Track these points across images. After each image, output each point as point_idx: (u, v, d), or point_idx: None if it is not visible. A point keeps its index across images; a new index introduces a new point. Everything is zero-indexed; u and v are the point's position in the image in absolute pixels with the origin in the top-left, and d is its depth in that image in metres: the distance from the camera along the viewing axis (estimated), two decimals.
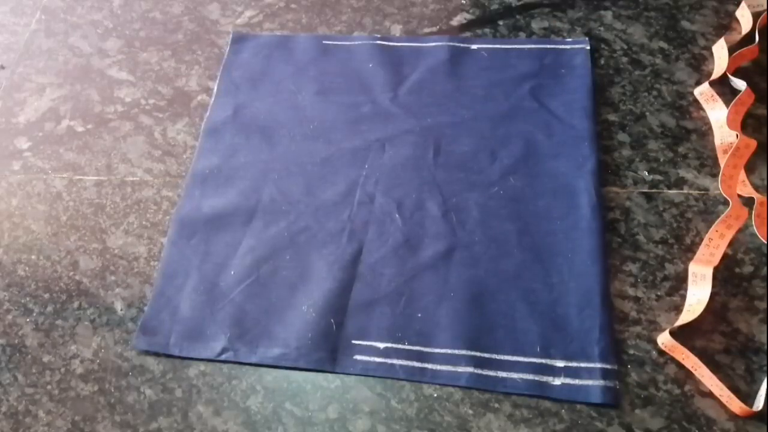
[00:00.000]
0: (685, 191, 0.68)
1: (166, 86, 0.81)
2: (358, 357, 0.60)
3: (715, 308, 0.60)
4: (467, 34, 0.83)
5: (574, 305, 0.61)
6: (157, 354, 0.62)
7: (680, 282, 0.62)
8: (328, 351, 0.60)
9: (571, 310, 0.61)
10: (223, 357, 0.61)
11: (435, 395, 0.58)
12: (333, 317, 0.62)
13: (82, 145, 0.77)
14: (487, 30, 0.83)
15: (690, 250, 0.64)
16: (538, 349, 0.58)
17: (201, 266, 0.66)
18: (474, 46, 0.81)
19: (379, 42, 0.82)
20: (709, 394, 0.56)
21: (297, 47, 0.83)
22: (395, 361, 0.59)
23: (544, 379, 0.57)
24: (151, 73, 0.83)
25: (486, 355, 0.59)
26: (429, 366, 0.59)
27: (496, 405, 0.57)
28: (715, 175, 0.69)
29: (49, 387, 0.61)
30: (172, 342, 0.62)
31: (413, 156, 0.72)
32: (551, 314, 0.61)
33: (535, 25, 0.83)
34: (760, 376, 0.57)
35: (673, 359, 0.58)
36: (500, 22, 0.83)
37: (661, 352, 0.59)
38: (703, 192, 0.68)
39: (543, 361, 0.58)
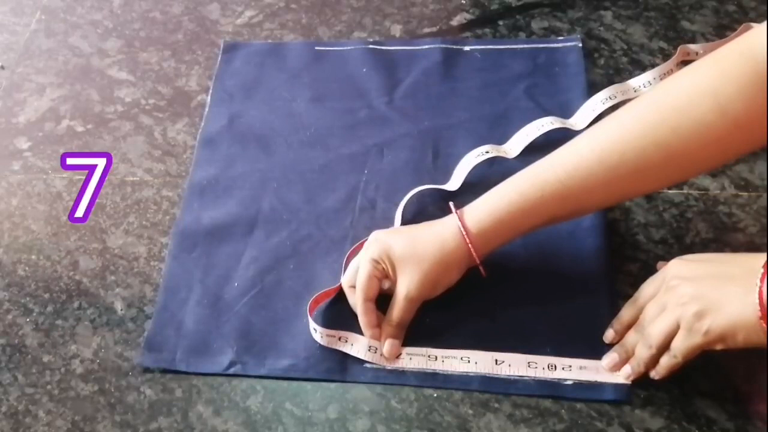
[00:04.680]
0: (685, 191, 0.68)
1: (166, 86, 0.81)
2: (368, 365, 0.59)
3: None
4: (467, 34, 0.83)
5: (581, 303, 0.61)
6: None
7: None
8: (338, 360, 0.60)
9: (579, 308, 0.60)
10: (231, 371, 0.60)
11: (435, 395, 0.58)
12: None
13: (82, 145, 0.77)
14: (487, 30, 0.83)
15: (690, 250, 0.64)
16: (549, 350, 0.58)
17: (204, 279, 0.65)
18: (467, 48, 0.80)
19: (371, 47, 0.81)
20: (709, 394, 0.56)
21: (289, 54, 0.82)
22: (407, 366, 0.59)
23: (556, 379, 0.57)
24: (151, 73, 0.83)
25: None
26: (440, 371, 0.59)
27: (496, 405, 0.57)
28: (715, 176, 0.69)
29: (49, 387, 0.61)
30: (178, 358, 0.61)
31: (412, 159, 0.72)
32: (559, 313, 0.60)
33: (535, 25, 0.83)
34: (760, 376, 0.57)
35: None
36: (500, 22, 0.83)
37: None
38: (703, 192, 0.68)
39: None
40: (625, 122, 0.54)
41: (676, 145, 0.51)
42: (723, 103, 0.49)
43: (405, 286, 0.58)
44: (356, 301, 0.59)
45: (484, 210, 0.57)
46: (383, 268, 0.58)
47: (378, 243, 0.58)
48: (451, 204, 0.59)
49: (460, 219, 0.57)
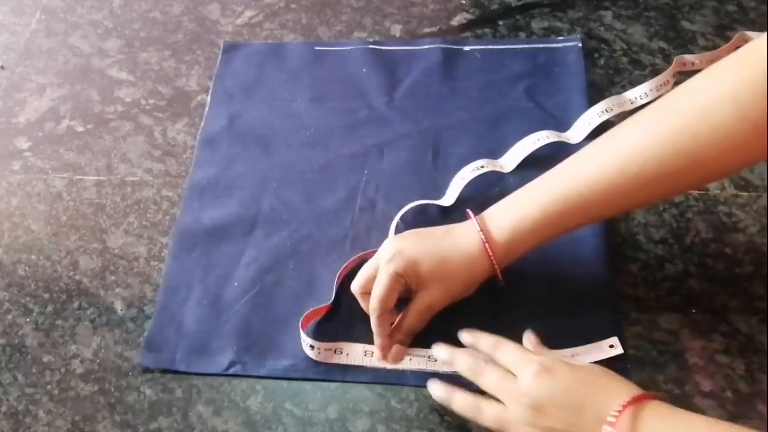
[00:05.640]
0: None
1: (166, 86, 0.81)
2: (367, 365, 0.60)
3: (715, 308, 0.60)
4: (467, 34, 0.83)
5: (582, 303, 0.61)
6: None
7: (680, 282, 0.62)
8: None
9: (580, 308, 0.61)
10: (231, 371, 0.60)
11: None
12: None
13: (82, 145, 0.77)
14: (487, 30, 0.83)
15: (690, 250, 0.64)
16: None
17: (204, 279, 0.65)
18: (467, 48, 0.80)
19: (371, 47, 0.81)
20: (710, 394, 0.56)
21: (289, 54, 0.82)
22: (406, 367, 0.59)
23: None
24: (151, 73, 0.83)
25: None
26: (440, 370, 0.58)
27: None
28: None
29: (49, 387, 0.61)
30: (178, 358, 0.61)
31: (413, 160, 0.72)
32: (560, 313, 0.60)
33: (535, 25, 0.83)
34: (760, 376, 0.57)
35: (673, 359, 0.58)
36: (500, 22, 0.83)
37: (661, 352, 0.59)
38: (703, 192, 0.68)
39: None
40: (645, 130, 0.52)
41: (697, 152, 0.50)
42: (744, 107, 0.47)
43: (429, 300, 0.57)
44: (372, 311, 0.58)
45: (508, 229, 0.56)
46: (405, 282, 0.57)
47: (403, 257, 0.57)
48: (472, 216, 0.58)
49: (487, 239, 0.56)
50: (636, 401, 0.46)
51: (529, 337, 0.57)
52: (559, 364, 0.50)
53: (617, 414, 0.46)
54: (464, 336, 0.57)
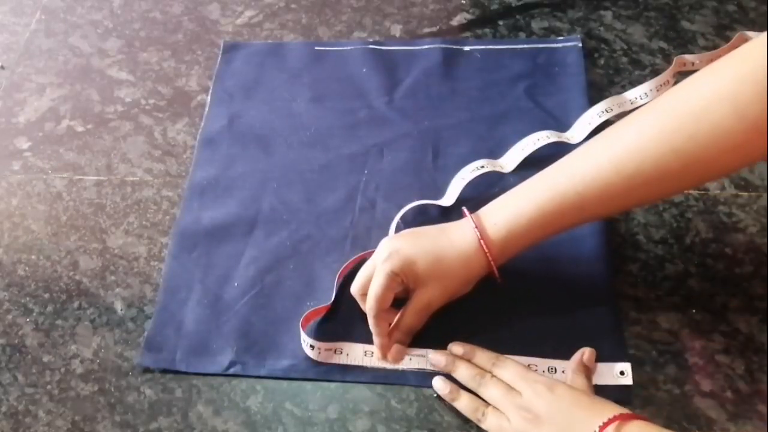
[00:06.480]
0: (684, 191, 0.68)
1: (166, 86, 0.81)
2: (367, 365, 0.60)
3: (715, 308, 0.60)
4: (467, 34, 0.83)
5: (581, 304, 0.61)
6: None
7: (680, 282, 0.62)
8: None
9: (579, 309, 0.60)
10: (231, 371, 0.60)
11: (435, 395, 0.58)
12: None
13: (82, 145, 0.77)
14: (487, 30, 0.83)
15: (690, 250, 0.64)
16: (548, 350, 0.58)
17: (204, 279, 0.65)
18: (467, 48, 0.80)
19: (371, 47, 0.81)
20: (710, 394, 0.56)
21: (289, 54, 0.82)
22: (406, 367, 0.59)
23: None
24: (151, 73, 0.83)
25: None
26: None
27: None
28: None
29: (49, 387, 0.61)
30: (178, 358, 0.61)
31: (413, 160, 0.72)
32: (559, 315, 0.60)
33: (535, 25, 0.83)
34: (760, 376, 0.57)
35: (673, 359, 0.58)
36: (500, 22, 0.83)
37: (661, 352, 0.59)
38: (703, 192, 0.68)
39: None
40: (642, 129, 0.52)
41: (694, 152, 0.49)
42: (741, 107, 0.47)
43: (426, 299, 0.57)
44: (369, 311, 0.58)
45: (504, 226, 0.56)
46: (402, 281, 0.57)
47: (399, 256, 0.57)
48: (468, 214, 0.58)
49: (482, 236, 0.56)
50: (621, 419, 0.49)
51: (584, 353, 0.57)
52: (560, 384, 0.53)
53: (601, 426, 0.48)
54: (456, 348, 0.59)
